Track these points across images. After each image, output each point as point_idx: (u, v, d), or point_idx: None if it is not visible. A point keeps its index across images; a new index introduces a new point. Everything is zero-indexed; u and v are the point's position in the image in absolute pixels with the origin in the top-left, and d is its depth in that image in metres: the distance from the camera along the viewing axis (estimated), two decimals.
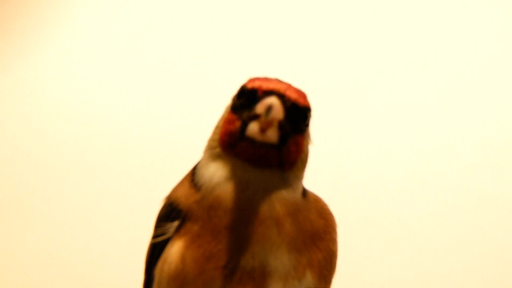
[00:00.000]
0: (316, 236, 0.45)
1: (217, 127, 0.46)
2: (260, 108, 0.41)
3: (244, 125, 0.42)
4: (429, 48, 1.01)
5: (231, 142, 0.43)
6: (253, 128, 0.41)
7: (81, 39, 1.06)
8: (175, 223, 0.44)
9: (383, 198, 0.96)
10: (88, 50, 1.05)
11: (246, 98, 0.42)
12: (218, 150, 0.44)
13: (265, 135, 0.41)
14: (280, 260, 0.43)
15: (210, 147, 0.45)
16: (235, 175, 0.43)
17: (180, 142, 1.00)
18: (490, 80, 0.99)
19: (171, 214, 0.45)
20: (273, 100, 0.40)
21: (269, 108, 0.40)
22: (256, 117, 0.41)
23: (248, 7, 1.05)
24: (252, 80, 0.43)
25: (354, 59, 1.01)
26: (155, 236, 0.46)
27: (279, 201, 0.43)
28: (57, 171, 1.01)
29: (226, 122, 0.44)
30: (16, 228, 0.99)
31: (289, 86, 0.43)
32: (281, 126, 0.41)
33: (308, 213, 0.45)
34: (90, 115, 1.02)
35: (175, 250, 0.43)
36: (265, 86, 0.42)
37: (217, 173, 0.43)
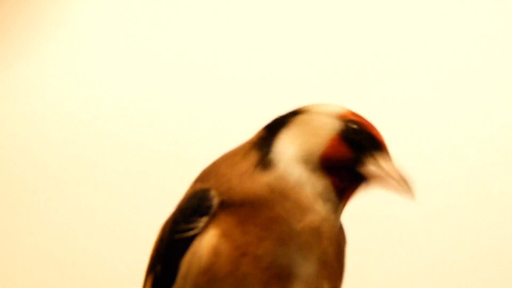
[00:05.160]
0: (339, 251, 0.47)
1: (314, 137, 0.47)
2: (387, 168, 0.47)
3: (356, 161, 0.47)
4: (429, 48, 1.01)
5: (333, 166, 0.46)
6: (375, 172, 0.47)
7: (81, 39, 1.06)
8: (205, 218, 0.45)
9: (383, 198, 0.96)
10: (88, 50, 1.05)
11: (363, 140, 0.47)
12: (316, 163, 0.46)
13: (383, 185, 0.47)
14: (309, 267, 0.44)
15: (305, 153, 0.46)
16: (319, 188, 0.45)
17: (180, 142, 1.00)
18: (490, 80, 0.99)
19: (200, 208, 0.45)
20: (399, 171, 0.47)
21: (399, 177, 0.47)
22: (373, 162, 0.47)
23: (247, 8, 1.05)
24: (363, 120, 0.49)
25: (354, 58, 1.01)
26: (181, 230, 0.45)
27: (331, 223, 0.46)
28: (57, 171, 1.01)
29: (336, 146, 0.47)
30: (16, 228, 0.99)
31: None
32: None
33: (336, 233, 0.47)
34: (90, 115, 1.02)
35: (207, 242, 0.44)
36: (382, 138, 0.48)
37: (304, 173, 0.45)
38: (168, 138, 1.01)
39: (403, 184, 0.47)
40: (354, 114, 0.49)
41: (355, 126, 0.48)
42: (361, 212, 0.95)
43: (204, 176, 0.49)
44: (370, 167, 0.47)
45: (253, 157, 0.46)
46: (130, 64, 1.04)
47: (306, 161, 0.46)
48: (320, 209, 0.45)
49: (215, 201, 0.45)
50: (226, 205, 0.45)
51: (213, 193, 0.45)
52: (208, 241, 0.44)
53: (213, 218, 0.44)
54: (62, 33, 1.06)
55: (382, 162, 0.47)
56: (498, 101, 0.98)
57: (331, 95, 0.99)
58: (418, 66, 1.01)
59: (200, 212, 0.45)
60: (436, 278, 0.93)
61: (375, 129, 0.49)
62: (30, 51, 1.06)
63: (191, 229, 0.45)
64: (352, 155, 0.47)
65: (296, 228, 0.44)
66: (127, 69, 1.04)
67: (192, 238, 0.44)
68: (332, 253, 0.46)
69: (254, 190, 0.45)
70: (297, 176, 0.45)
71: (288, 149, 0.46)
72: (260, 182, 0.45)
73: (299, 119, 0.48)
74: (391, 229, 0.94)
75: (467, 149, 0.97)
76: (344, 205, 0.48)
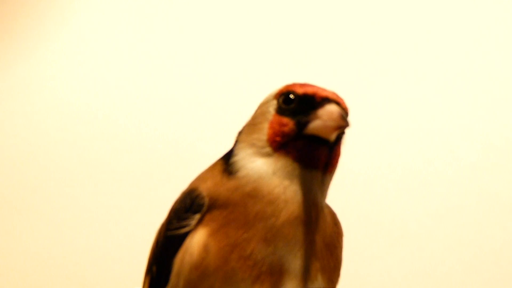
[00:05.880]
0: (330, 243, 0.47)
1: (257, 128, 0.47)
2: (325, 113, 0.44)
3: (301, 125, 0.45)
4: (429, 48, 1.01)
5: (284, 142, 0.45)
6: (317, 125, 0.44)
7: (81, 39, 1.06)
8: (197, 216, 0.45)
9: (383, 198, 0.96)
10: (88, 50, 1.05)
11: (300, 103, 0.46)
12: (268, 149, 0.46)
13: (328, 133, 0.44)
14: (299, 260, 0.44)
15: (255, 146, 0.47)
16: (282, 171, 0.45)
17: (180, 142, 1.00)
18: (490, 80, 0.99)
19: (193, 206, 0.46)
20: (337, 108, 0.44)
21: (334, 114, 0.44)
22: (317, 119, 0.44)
23: (248, 7, 1.05)
24: (298, 86, 0.47)
25: (354, 58, 1.01)
26: (174, 228, 0.46)
27: (312, 204, 0.45)
28: (57, 171, 1.01)
29: (276, 124, 0.46)
30: (16, 228, 0.99)
31: (336, 93, 0.47)
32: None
33: (326, 219, 0.47)
34: (90, 114, 1.02)
35: (197, 240, 0.44)
36: (321, 93, 0.46)
37: (263, 167, 0.45)
38: (168, 138, 1.01)
39: (336, 120, 0.44)
40: (286, 86, 0.48)
41: (291, 96, 0.47)
42: (361, 212, 0.95)
43: (191, 183, 0.50)
44: (311, 123, 0.45)
45: (219, 165, 0.48)
46: (130, 64, 1.04)
47: (259, 153, 0.46)
48: (294, 195, 0.45)
49: (206, 199, 0.45)
50: (210, 207, 0.45)
51: (203, 192, 0.46)
52: (198, 239, 0.44)
53: (203, 217, 0.45)
54: (62, 33, 1.06)
55: (319, 111, 0.45)
56: (498, 101, 0.98)
57: None
58: (418, 66, 1.01)
59: (193, 209, 0.46)
60: (436, 278, 0.93)
61: (306, 86, 0.47)
62: (30, 51, 1.06)
63: (184, 226, 0.46)
64: (292, 123, 0.46)
65: (276, 225, 0.44)
66: (127, 69, 1.04)
67: (185, 236, 0.45)
68: (321, 243, 0.46)
69: (226, 195, 0.45)
70: (258, 171, 0.45)
71: (242, 150, 0.47)
72: (229, 187, 0.45)
73: (250, 118, 0.49)
74: (391, 229, 0.95)
75: (467, 149, 0.97)
76: (325, 171, 0.46)
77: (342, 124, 0.44)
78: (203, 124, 1.01)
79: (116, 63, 1.04)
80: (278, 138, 0.46)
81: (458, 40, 1.01)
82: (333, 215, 0.50)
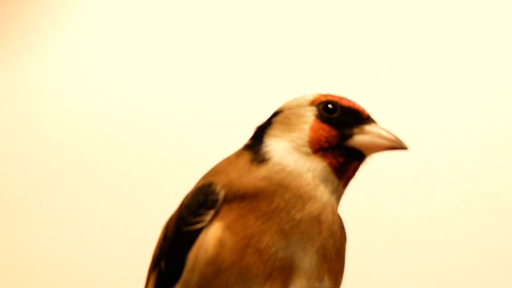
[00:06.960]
0: (339, 247, 0.48)
1: (295, 128, 0.49)
2: (374, 130, 0.48)
3: (345, 136, 0.48)
4: (429, 48, 1.01)
5: (325, 147, 0.48)
6: (364, 140, 0.48)
7: (81, 39, 1.06)
8: (211, 212, 0.45)
9: (383, 198, 0.96)
10: (88, 50, 1.05)
11: (343, 115, 0.49)
12: (307, 149, 0.48)
13: (376, 150, 0.49)
14: (309, 259, 0.45)
15: (294, 142, 0.48)
16: (317, 172, 0.47)
17: (180, 142, 1.00)
18: (490, 80, 0.99)
19: (206, 202, 0.46)
20: (385, 129, 0.48)
21: (384, 134, 0.48)
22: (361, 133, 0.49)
23: (248, 7, 1.05)
24: (340, 98, 0.51)
25: (354, 58, 1.01)
26: (187, 224, 0.46)
27: (332, 209, 0.47)
28: (57, 171, 1.01)
29: (319, 129, 0.49)
30: (16, 228, 0.99)
31: None
32: None
33: (336, 224, 0.48)
34: (90, 115, 1.02)
35: (212, 234, 0.44)
36: (365, 110, 0.50)
37: (300, 161, 0.47)
38: (168, 138, 1.01)
39: (393, 139, 0.48)
40: (324, 95, 0.51)
41: (329, 106, 0.50)
42: (361, 212, 0.95)
43: (206, 175, 0.49)
44: (357, 137, 0.48)
45: (247, 155, 0.48)
46: (130, 64, 1.04)
47: (297, 149, 0.48)
48: (320, 195, 0.46)
49: (221, 195, 0.46)
50: (228, 199, 0.45)
51: (218, 187, 0.46)
52: (213, 233, 0.44)
53: (218, 210, 0.45)
54: (62, 33, 1.06)
55: (367, 127, 0.48)
56: (498, 101, 0.98)
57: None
58: (418, 66, 1.01)
59: (207, 205, 0.46)
60: (436, 278, 0.93)
61: (348, 100, 0.50)
62: (30, 51, 1.06)
63: (198, 222, 0.45)
64: (336, 132, 0.48)
65: (296, 218, 0.44)
66: (127, 69, 1.04)
67: (199, 232, 0.45)
68: (331, 247, 0.46)
69: (253, 183, 0.45)
70: (293, 163, 0.47)
71: (278, 142, 0.48)
72: (258, 175, 0.46)
73: (280, 117, 0.50)
74: (391, 229, 0.95)
75: (467, 149, 0.97)
76: (345, 184, 0.49)
77: (395, 145, 0.48)
78: (203, 124, 1.01)
79: (117, 63, 1.04)
80: (320, 143, 0.48)
81: (458, 40, 1.01)
82: (339, 219, 0.50)
